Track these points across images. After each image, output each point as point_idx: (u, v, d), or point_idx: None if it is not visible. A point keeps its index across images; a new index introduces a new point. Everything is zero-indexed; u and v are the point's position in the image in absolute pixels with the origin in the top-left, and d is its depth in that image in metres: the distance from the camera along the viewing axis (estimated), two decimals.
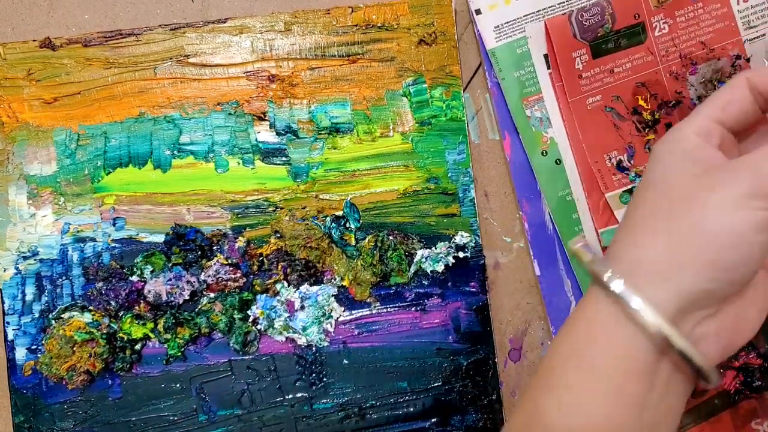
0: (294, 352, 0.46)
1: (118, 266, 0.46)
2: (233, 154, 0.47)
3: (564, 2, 0.46)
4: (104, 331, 0.45)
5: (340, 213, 0.47)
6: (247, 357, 0.46)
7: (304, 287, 0.46)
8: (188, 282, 0.45)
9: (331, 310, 0.46)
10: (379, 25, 0.47)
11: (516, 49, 0.47)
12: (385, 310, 0.46)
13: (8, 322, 0.45)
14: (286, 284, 0.46)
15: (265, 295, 0.46)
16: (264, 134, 0.47)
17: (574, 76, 0.46)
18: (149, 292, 0.45)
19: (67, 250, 0.46)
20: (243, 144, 0.47)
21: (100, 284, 0.46)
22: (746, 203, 0.28)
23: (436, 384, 0.46)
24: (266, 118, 0.47)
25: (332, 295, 0.46)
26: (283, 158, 0.47)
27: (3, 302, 0.45)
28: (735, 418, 0.46)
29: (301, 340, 0.46)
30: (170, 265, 0.46)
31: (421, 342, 0.46)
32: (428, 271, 0.46)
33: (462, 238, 0.47)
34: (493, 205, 0.48)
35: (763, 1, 0.46)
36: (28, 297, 0.46)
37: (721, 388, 0.46)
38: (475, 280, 0.47)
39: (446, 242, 0.46)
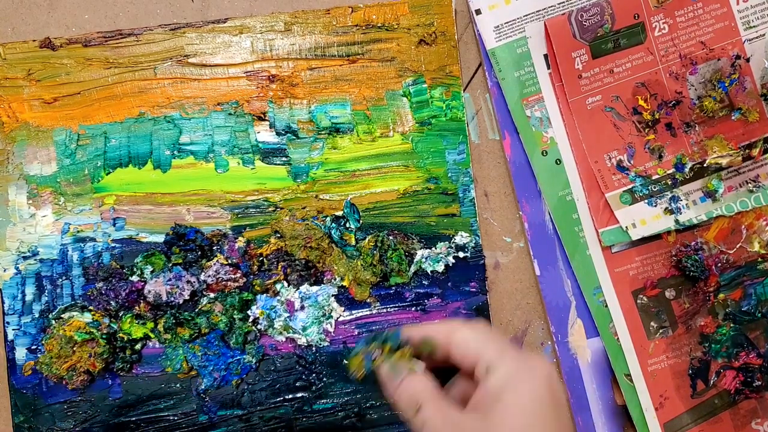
0: (294, 352, 0.46)
1: (118, 266, 0.46)
2: (233, 154, 0.47)
3: (564, 2, 0.46)
4: (104, 331, 0.45)
5: (340, 213, 0.47)
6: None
7: (304, 287, 0.46)
8: (188, 282, 0.45)
9: (331, 310, 0.46)
10: (379, 25, 0.47)
11: (516, 49, 0.47)
12: (385, 310, 0.46)
13: (8, 322, 0.45)
14: (286, 284, 0.46)
15: (265, 295, 0.46)
16: (264, 134, 0.47)
17: (574, 76, 0.46)
18: (149, 292, 0.45)
19: (67, 250, 0.46)
20: (243, 144, 0.47)
21: (100, 284, 0.46)
22: None
23: None
24: (266, 118, 0.47)
25: (332, 295, 0.46)
26: (283, 158, 0.47)
27: (3, 302, 0.45)
28: (735, 418, 0.46)
29: (301, 340, 0.46)
30: (170, 265, 0.46)
31: None
32: (428, 271, 0.46)
33: (462, 238, 0.47)
34: (493, 205, 0.48)
35: (763, 1, 0.46)
36: (28, 297, 0.46)
37: (722, 388, 0.46)
38: (475, 280, 0.47)
39: (446, 242, 0.46)
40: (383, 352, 0.34)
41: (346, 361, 0.43)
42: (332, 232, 0.46)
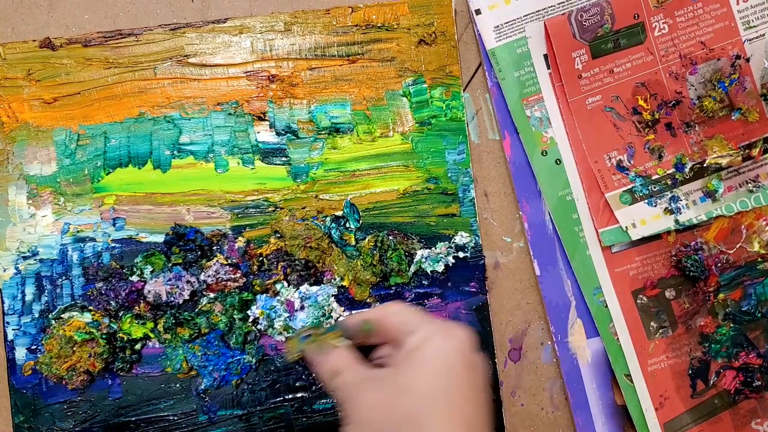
0: None
1: (118, 266, 0.46)
2: (233, 154, 0.47)
3: (564, 2, 0.46)
4: (104, 331, 0.45)
5: (340, 213, 0.47)
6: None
7: (304, 287, 0.46)
8: (188, 282, 0.45)
9: (331, 310, 0.46)
10: (379, 25, 0.47)
11: (516, 49, 0.47)
12: None
13: (8, 322, 0.45)
14: (286, 284, 0.46)
15: (265, 295, 0.46)
16: (264, 134, 0.47)
17: (574, 76, 0.46)
18: (149, 292, 0.45)
19: (67, 250, 0.46)
20: (243, 144, 0.47)
21: (100, 284, 0.46)
22: None
23: None
24: (266, 118, 0.47)
25: (332, 295, 0.46)
26: (283, 158, 0.47)
27: (3, 302, 0.45)
28: (735, 418, 0.46)
29: None
30: (170, 265, 0.46)
31: None
32: (428, 271, 0.46)
33: (462, 238, 0.47)
34: (493, 205, 0.48)
35: (763, 1, 0.46)
36: (28, 297, 0.46)
37: (722, 388, 0.46)
38: (475, 280, 0.47)
39: (446, 242, 0.46)
40: (315, 335, 0.37)
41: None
42: (332, 232, 0.46)
